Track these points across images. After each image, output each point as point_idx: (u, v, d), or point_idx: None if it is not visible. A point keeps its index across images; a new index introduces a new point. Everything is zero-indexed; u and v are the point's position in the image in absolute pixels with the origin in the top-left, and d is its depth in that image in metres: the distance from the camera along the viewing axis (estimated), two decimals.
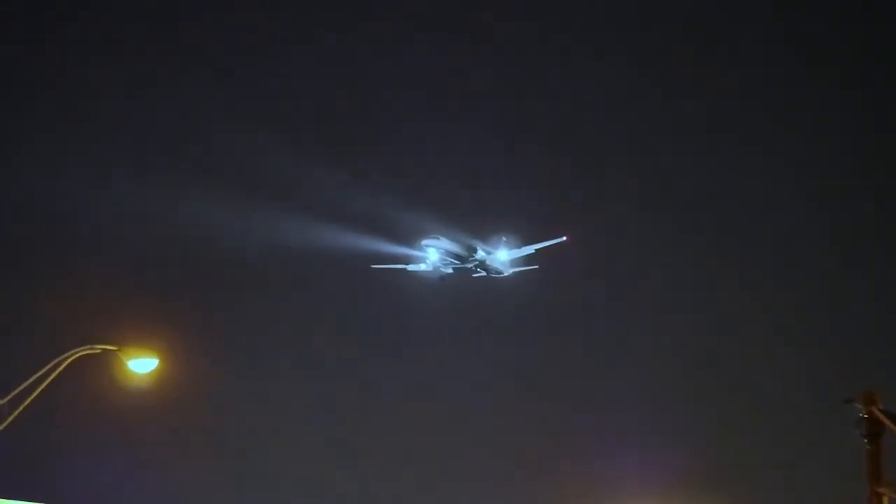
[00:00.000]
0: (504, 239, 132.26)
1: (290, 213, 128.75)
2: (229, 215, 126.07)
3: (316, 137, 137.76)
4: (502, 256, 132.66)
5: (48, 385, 55.67)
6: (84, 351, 56.36)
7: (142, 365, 56.62)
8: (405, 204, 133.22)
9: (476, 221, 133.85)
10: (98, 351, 56.45)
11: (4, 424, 54.82)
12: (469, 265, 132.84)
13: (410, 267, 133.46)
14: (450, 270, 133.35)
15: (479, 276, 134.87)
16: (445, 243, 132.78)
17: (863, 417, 47.90)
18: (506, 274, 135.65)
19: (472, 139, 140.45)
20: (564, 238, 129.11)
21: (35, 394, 55.50)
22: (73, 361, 56.09)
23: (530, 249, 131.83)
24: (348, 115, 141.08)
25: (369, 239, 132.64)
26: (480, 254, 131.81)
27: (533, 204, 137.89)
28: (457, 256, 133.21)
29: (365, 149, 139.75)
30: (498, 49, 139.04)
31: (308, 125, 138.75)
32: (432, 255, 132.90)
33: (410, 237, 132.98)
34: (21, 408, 55.27)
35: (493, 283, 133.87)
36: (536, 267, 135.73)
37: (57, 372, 55.71)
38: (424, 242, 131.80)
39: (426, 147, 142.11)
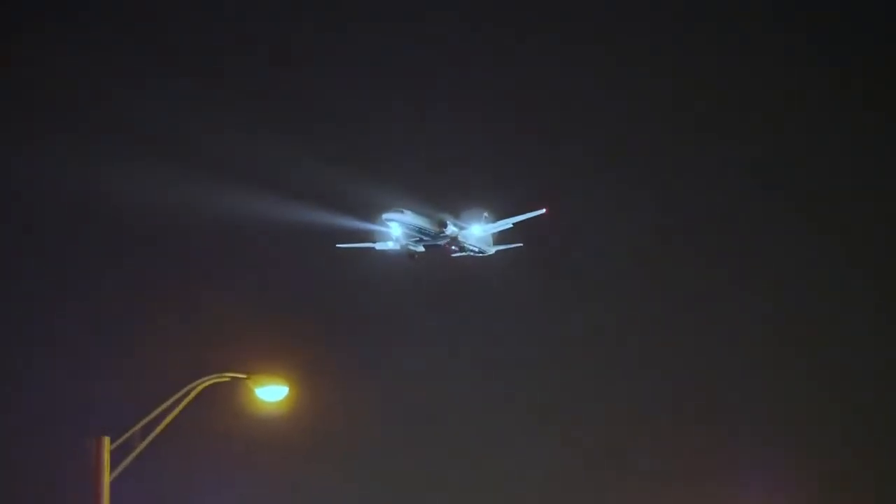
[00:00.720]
0: (485, 214, 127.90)
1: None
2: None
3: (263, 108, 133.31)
4: (477, 231, 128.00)
5: (177, 414, 56.33)
6: (213, 379, 56.99)
7: (271, 393, 57.17)
8: (370, 179, 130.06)
9: (450, 197, 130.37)
10: (227, 379, 57.04)
11: (135, 453, 55.39)
12: (440, 242, 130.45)
13: (378, 245, 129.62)
14: (421, 248, 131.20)
15: (459, 256, 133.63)
16: (410, 217, 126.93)
17: None
18: (489, 253, 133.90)
19: (442, 111, 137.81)
20: (543, 210, 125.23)
21: (165, 423, 56.19)
22: (202, 390, 56.92)
23: (507, 223, 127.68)
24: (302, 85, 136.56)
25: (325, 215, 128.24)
26: (451, 229, 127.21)
27: (510, 177, 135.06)
28: (424, 232, 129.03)
29: (319, 125, 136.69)
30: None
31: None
32: (395, 229, 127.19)
33: (376, 213, 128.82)
34: (151, 436, 55.88)
35: (471, 262, 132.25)
36: (521, 245, 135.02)
37: (186, 401, 56.45)
38: (386, 216, 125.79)
39: (389, 117, 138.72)
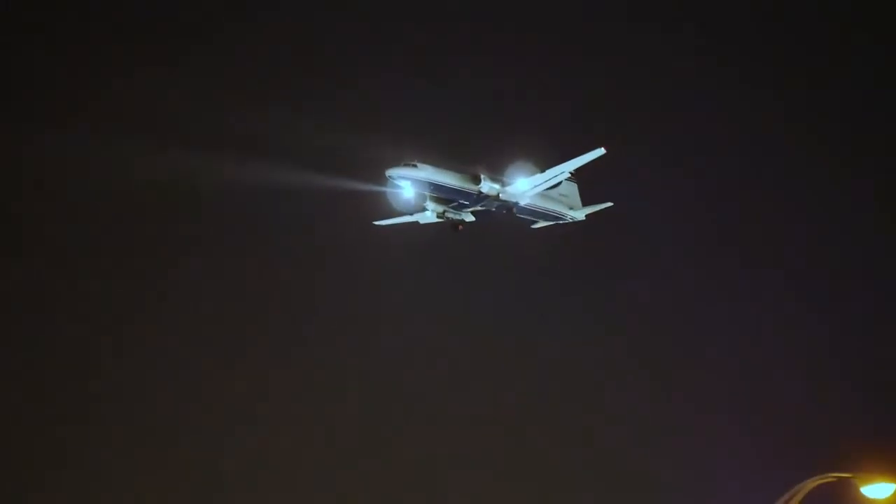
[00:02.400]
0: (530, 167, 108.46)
1: None
2: None
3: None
4: (524, 186, 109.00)
5: None
6: (821, 480, 54.93)
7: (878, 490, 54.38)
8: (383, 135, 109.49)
9: (478, 151, 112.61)
10: (832, 479, 54.96)
11: None
12: (486, 205, 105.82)
13: (422, 218, 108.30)
14: (468, 216, 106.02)
15: (543, 227, 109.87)
16: (428, 172, 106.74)
17: None
18: (579, 218, 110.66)
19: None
20: (603, 150, 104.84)
21: None
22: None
23: (562, 171, 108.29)
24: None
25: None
26: (487, 186, 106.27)
27: (548, 121, 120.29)
28: (453, 191, 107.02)
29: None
30: None
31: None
32: (406, 189, 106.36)
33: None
34: None
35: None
36: (610, 204, 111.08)
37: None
38: (392, 172, 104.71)
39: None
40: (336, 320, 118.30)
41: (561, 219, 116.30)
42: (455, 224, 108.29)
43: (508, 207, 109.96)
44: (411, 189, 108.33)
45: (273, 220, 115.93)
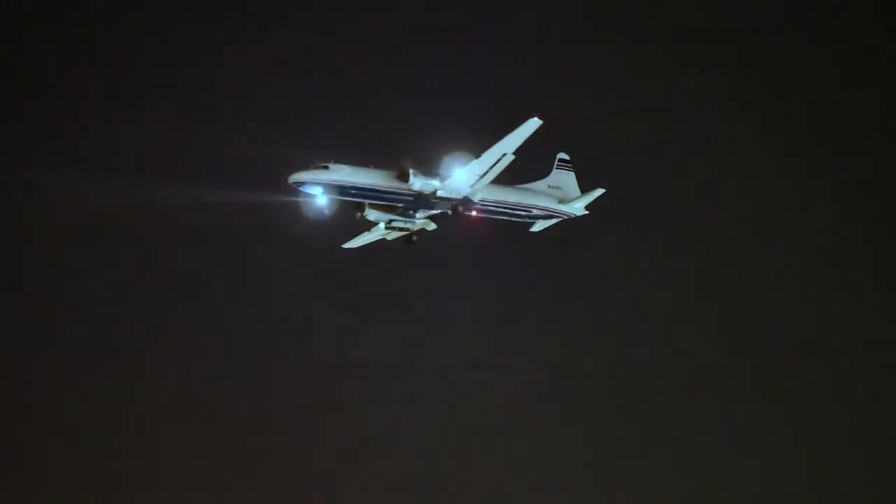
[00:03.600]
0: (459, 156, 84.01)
1: None
2: None
3: None
4: (463, 177, 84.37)
5: None
6: None
7: None
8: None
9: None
10: None
11: None
12: (427, 208, 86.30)
13: (390, 235, 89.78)
14: (430, 225, 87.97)
15: (542, 229, 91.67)
16: (341, 174, 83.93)
17: None
18: (578, 214, 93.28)
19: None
20: (538, 120, 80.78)
21: None
22: None
23: (501, 152, 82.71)
24: None
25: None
26: (420, 182, 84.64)
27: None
28: (376, 193, 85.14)
29: None
30: None
31: None
32: (319, 196, 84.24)
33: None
34: None
35: None
36: (603, 191, 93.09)
37: None
38: (296, 178, 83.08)
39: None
40: None
41: (554, 216, 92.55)
42: (408, 236, 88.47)
43: (463, 205, 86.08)
44: (323, 194, 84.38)
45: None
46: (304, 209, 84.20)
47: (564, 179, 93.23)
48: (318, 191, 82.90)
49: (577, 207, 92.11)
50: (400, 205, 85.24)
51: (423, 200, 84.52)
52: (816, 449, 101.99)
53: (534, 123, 79.88)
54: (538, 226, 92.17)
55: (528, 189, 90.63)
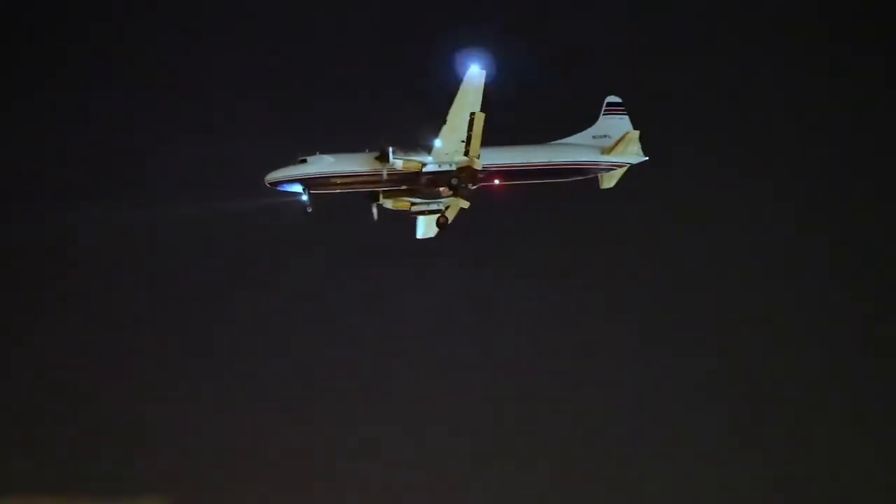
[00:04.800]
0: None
1: None
2: None
3: None
4: (441, 148, 72.67)
5: None
6: None
7: None
8: None
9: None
10: None
11: None
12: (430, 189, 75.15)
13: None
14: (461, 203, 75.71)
15: None
16: (322, 164, 74.05)
17: None
18: (628, 161, 77.08)
19: None
20: (480, 70, 69.39)
21: None
22: None
23: (466, 113, 71.24)
24: None
25: None
26: (399, 162, 72.75)
27: None
28: (358, 180, 73.68)
29: None
30: None
31: None
32: (303, 193, 74.36)
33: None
34: None
35: None
36: (637, 132, 76.68)
37: None
38: (271, 178, 73.90)
39: None
40: None
41: (603, 168, 76.23)
42: (438, 220, 76.74)
43: (462, 176, 73.30)
44: (307, 192, 73.49)
45: None
46: (291, 209, 73.84)
47: (615, 125, 76.25)
48: (298, 188, 72.10)
49: (630, 153, 74.81)
50: (395, 188, 71.95)
51: (412, 179, 71.23)
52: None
53: (477, 74, 68.04)
54: (609, 181, 75.86)
55: (562, 144, 74.68)
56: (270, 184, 72.94)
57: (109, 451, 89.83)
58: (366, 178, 72.51)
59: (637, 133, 75.13)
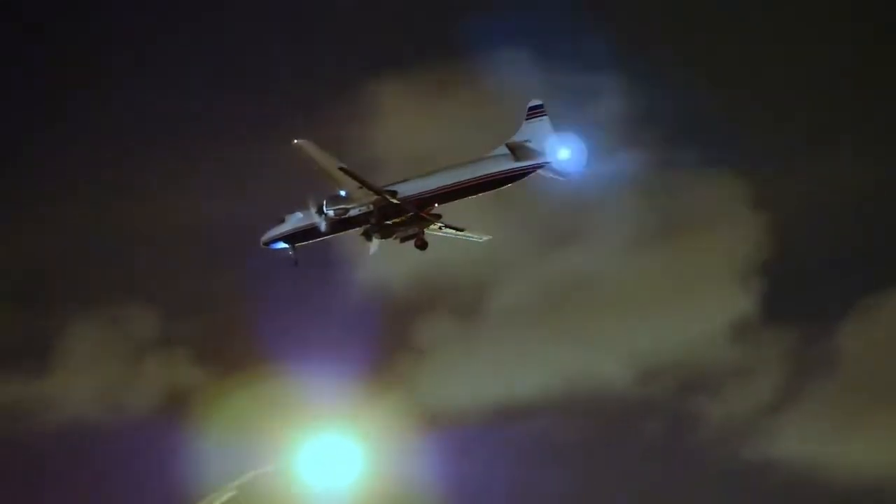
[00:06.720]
0: None
1: None
2: None
3: None
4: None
5: None
6: None
7: None
8: None
9: None
10: None
11: None
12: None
13: None
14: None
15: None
16: (293, 220, 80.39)
17: None
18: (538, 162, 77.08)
19: None
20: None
21: None
22: None
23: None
24: None
25: None
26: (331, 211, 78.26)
27: None
28: (316, 231, 79.49)
29: None
30: None
31: None
32: (291, 249, 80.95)
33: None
34: None
35: None
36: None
37: None
38: (264, 239, 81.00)
39: None
40: None
41: (514, 175, 77.05)
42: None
43: (383, 212, 78.25)
44: (293, 246, 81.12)
45: None
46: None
47: (538, 129, 78.42)
48: (284, 245, 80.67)
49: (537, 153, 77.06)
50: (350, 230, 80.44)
51: (347, 224, 79.20)
52: None
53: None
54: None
55: (491, 157, 77.99)
56: (264, 244, 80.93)
57: None
58: (318, 230, 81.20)
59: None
